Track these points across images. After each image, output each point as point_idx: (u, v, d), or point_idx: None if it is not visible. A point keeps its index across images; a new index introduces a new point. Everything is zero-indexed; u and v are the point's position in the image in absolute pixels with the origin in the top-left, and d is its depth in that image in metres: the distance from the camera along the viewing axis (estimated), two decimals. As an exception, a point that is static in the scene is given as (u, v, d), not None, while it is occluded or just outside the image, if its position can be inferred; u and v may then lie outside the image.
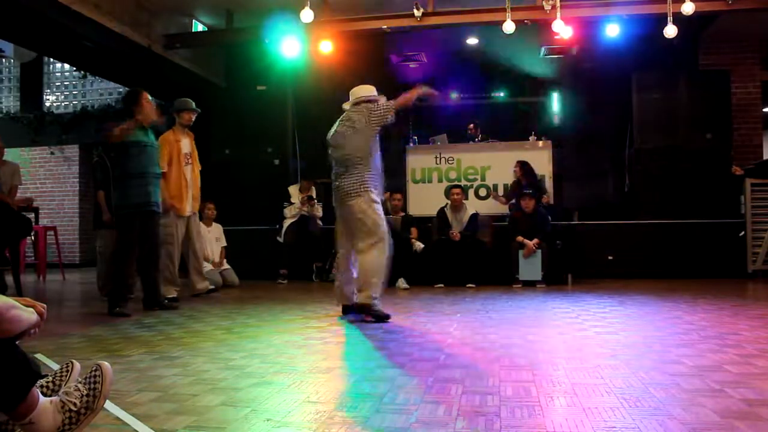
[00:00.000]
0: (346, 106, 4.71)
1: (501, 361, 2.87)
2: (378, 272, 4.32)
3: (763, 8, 6.92)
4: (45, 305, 1.71)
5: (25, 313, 1.60)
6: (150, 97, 5.07)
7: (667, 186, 7.90)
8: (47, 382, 1.78)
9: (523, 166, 7.65)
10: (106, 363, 1.83)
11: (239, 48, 8.76)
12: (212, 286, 6.20)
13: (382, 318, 4.28)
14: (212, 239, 7.24)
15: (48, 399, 1.67)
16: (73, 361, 1.88)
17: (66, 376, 1.82)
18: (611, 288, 6.37)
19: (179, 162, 5.86)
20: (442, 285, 6.89)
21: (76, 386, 1.74)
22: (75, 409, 1.70)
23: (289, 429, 1.92)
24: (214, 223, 7.33)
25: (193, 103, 6.03)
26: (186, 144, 5.99)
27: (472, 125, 8.88)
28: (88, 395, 1.73)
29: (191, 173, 6.02)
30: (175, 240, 5.83)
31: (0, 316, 1.51)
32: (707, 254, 7.48)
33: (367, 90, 4.70)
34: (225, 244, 7.36)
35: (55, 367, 2.72)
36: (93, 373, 1.79)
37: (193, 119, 6.01)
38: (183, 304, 5.46)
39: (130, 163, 4.85)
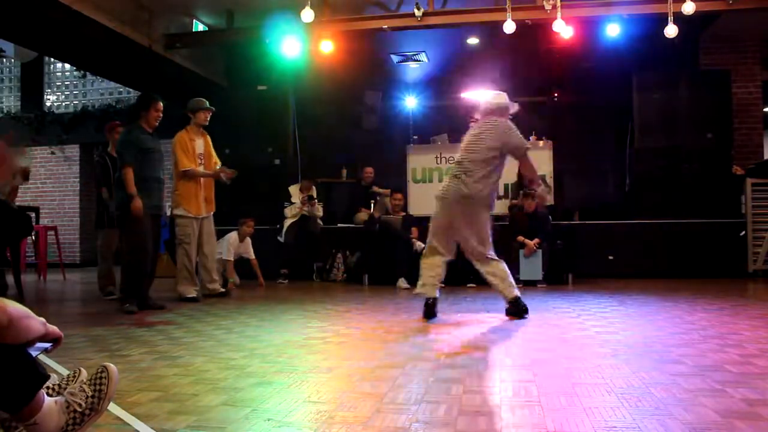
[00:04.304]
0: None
1: (501, 361, 2.88)
2: None
3: (764, 8, 6.93)
4: (62, 333, 1.72)
5: (37, 323, 1.61)
6: (161, 106, 5.11)
7: (667, 186, 7.88)
8: (54, 384, 1.78)
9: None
10: (112, 365, 1.82)
11: (240, 48, 8.77)
12: (222, 289, 6.14)
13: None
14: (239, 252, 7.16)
15: (53, 399, 1.67)
16: (82, 368, 1.87)
17: (72, 383, 1.81)
18: (611, 288, 6.37)
19: (193, 162, 5.82)
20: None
21: (81, 387, 1.74)
22: (80, 410, 1.70)
23: (290, 429, 1.92)
24: (247, 238, 7.20)
25: (207, 102, 5.98)
26: (200, 144, 5.95)
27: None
28: (93, 396, 1.73)
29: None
30: (192, 240, 5.78)
31: (13, 323, 1.52)
32: (707, 254, 7.47)
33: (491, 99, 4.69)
34: (253, 257, 7.21)
35: (58, 367, 2.72)
36: (99, 374, 1.78)
37: (209, 118, 5.97)
38: (184, 304, 5.47)
39: (137, 168, 4.91)
